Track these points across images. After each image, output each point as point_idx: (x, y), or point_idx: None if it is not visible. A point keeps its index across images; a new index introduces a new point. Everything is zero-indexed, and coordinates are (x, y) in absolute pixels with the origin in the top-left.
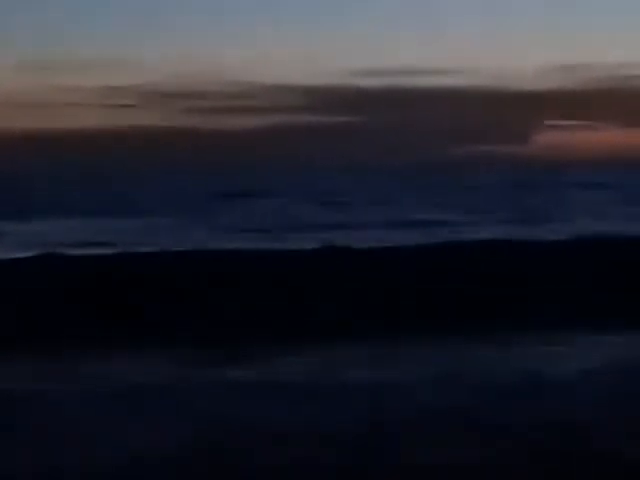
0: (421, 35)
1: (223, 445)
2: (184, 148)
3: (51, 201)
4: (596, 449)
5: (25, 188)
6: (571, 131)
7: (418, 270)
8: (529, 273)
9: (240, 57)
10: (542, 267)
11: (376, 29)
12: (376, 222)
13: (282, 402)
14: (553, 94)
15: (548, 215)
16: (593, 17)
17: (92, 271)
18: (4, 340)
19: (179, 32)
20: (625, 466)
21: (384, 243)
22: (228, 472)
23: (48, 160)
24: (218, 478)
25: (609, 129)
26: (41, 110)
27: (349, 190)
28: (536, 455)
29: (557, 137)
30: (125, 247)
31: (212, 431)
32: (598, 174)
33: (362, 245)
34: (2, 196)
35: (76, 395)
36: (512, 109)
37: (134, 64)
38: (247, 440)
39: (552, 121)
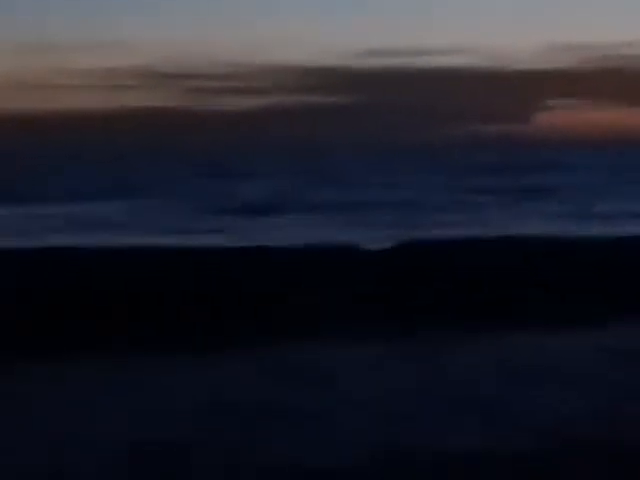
0: (420, 15)
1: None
2: (183, 128)
3: (48, 184)
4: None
5: (25, 170)
6: (571, 111)
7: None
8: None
9: (239, 38)
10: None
11: (374, 9)
12: (383, 202)
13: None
14: (553, 74)
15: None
16: None
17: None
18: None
19: (178, 14)
20: (625, 454)
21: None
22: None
23: (47, 141)
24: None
25: (610, 108)
26: (41, 92)
27: (350, 170)
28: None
29: (557, 116)
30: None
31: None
32: (598, 154)
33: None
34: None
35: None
36: (513, 89)
37: (133, 46)
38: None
39: (552, 100)
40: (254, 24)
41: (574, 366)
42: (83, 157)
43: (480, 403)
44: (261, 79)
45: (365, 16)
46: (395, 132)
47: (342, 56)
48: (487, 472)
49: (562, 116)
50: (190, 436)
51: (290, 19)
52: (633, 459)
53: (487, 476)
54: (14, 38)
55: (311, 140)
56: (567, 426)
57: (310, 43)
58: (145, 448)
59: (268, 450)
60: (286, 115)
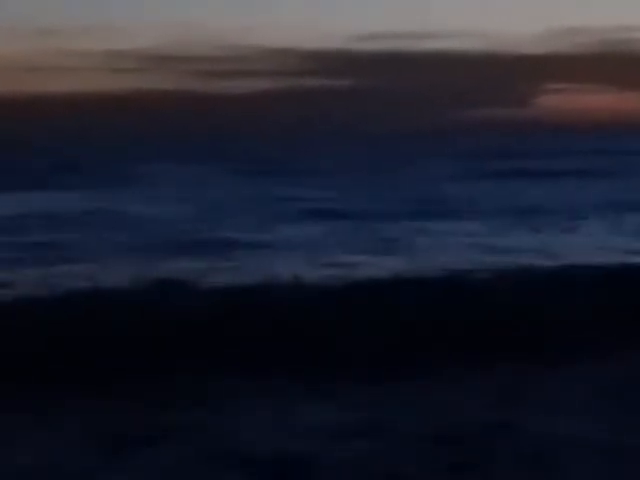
0: None
1: None
2: (186, 112)
3: (53, 167)
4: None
5: (25, 153)
6: (571, 95)
7: None
8: None
9: (242, 21)
10: None
11: None
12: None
13: None
14: (553, 58)
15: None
16: None
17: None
18: None
19: None
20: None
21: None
22: None
23: (49, 124)
24: None
25: (608, 92)
26: (44, 74)
27: (351, 155)
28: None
29: (557, 100)
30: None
31: None
32: (597, 138)
33: None
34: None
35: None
36: (512, 73)
37: (136, 28)
38: None
39: (552, 85)
40: (255, 7)
41: None
42: (83, 140)
43: None
44: (262, 62)
45: None
46: (396, 116)
47: (343, 39)
48: None
49: (562, 100)
50: None
51: (291, 2)
52: None
53: None
54: (12, 21)
55: (312, 124)
56: None
57: (312, 26)
58: None
59: None
60: (287, 99)
